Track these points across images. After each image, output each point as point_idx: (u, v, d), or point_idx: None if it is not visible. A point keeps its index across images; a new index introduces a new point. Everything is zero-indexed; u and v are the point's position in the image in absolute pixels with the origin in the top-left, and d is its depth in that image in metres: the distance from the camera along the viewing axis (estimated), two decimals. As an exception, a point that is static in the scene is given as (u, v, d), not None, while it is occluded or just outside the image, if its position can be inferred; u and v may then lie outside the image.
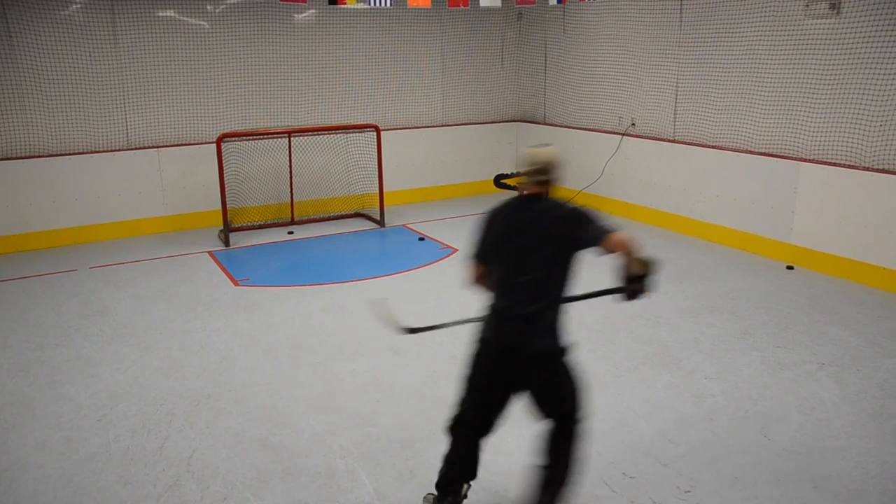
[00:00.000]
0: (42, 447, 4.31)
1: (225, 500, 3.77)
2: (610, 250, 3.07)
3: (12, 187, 8.34)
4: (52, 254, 8.32)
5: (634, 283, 3.21)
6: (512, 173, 10.61)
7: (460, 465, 3.43)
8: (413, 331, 3.84)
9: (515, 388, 3.27)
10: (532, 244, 3.13)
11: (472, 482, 3.54)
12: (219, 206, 8.74)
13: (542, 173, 3.22)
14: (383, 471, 4.00)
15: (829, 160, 7.23)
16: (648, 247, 8.24)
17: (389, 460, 4.10)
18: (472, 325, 3.47)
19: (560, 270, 3.17)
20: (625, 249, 3.07)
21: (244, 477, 3.98)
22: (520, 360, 3.17)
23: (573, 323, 5.92)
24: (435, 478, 3.91)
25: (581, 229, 3.10)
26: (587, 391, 3.38)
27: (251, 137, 9.13)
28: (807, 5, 7.23)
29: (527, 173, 3.23)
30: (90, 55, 8.61)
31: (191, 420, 4.59)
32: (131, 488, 3.90)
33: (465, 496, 3.51)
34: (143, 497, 3.82)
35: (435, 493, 3.48)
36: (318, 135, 9.54)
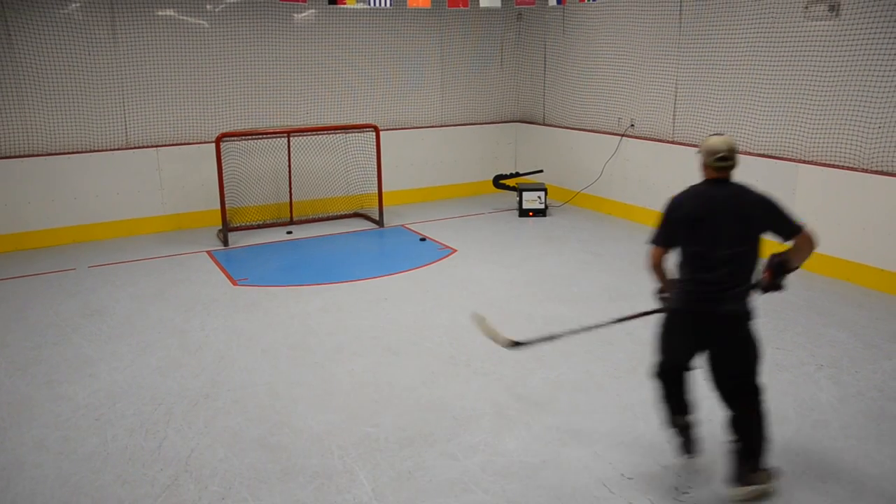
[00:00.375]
0: (40, 446, 4.31)
1: (223, 499, 3.77)
2: (797, 243, 3.57)
3: (11, 186, 8.33)
4: (50, 253, 8.31)
5: (783, 277, 3.64)
6: (511, 174, 10.61)
7: (675, 400, 3.87)
8: (518, 344, 4.20)
9: (705, 346, 3.65)
10: (729, 222, 3.49)
11: (690, 416, 3.91)
12: (217, 206, 8.73)
13: (727, 160, 3.52)
14: (381, 471, 4.00)
15: (828, 162, 7.23)
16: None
17: (388, 460, 4.10)
18: (575, 335, 4.00)
19: (750, 247, 3.55)
20: (810, 248, 3.56)
21: (242, 477, 3.98)
22: (712, 320, 3.54)
23: (571, 324, 5.94)
24: (434, 478, 3.92)
25: (777, 216, 3.55)
26: (762, 359, 3.65)
27: (250, 137, 9.12)
28: (806, 7, 7.23)
29: (711, 161, 3.54)
30: (89, 54, 8.60)
31: (189, 420, 4.59)
32: (129, 488, 3.89)
33: (691, 426, 3.92)
34: (141, 497, 3.81)
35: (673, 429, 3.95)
36: (317, 135, 9.54)
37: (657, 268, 3.78)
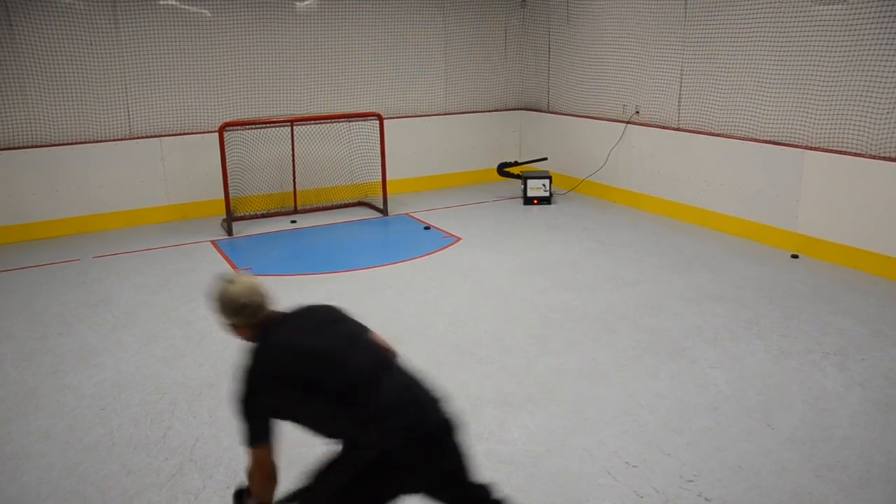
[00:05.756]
0: (46, 436, 4.32)
1: (228, 488, 3.77)
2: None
3: (14, 177, 8.33)
4: (54, 243, 8.32)
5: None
6: (515, 162, 10.58)
7: None
8: None
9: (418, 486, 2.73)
10: (344, 331, 2.84)
11: None
12: (221, 196, 8.72)
13: (253, 311, 2.76)
14: (386, 460, 4.00)
15: (835, 148, 7.17)
16: (652, 236, 8.23)
17: (392, 449, 4.09)
18: None
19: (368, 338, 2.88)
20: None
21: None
22: (437, 437, 2.69)
23: (576, 312, 5.94)
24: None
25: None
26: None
27: (254, 126, 9.10)
28: (813, -9, 7.17)
29: (235, 321, 2.79)
30: (91, 44, 8.57)
31: (193, 409, 4.59)
32: (134, 477, 3.90)
33: None
34: (147, 486, 3.82)
35: None
36: (320, 123, 9.51)
37: (272, 473, 2.80)
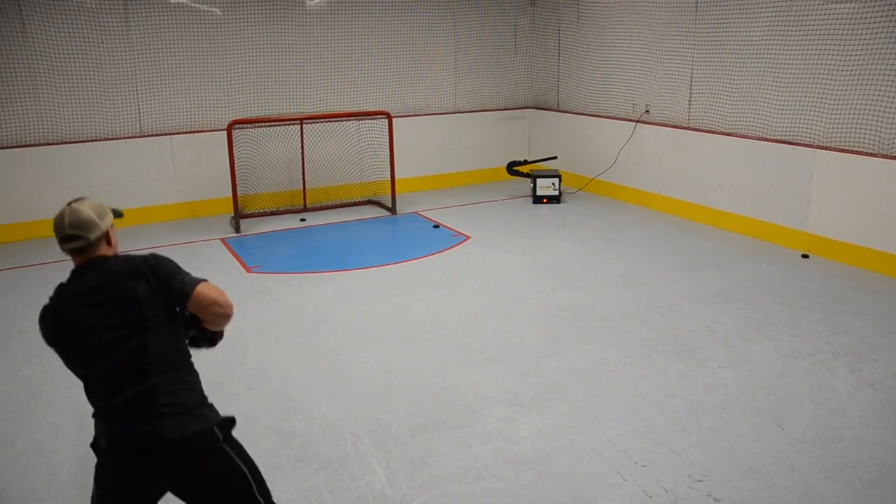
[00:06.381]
0: (57, 432, 4.35)
1: (237, 485, 3.79)
2: (197, 304, 2.53)
3: (25, 174, 8.38)
4: (66, 240, 8.35)
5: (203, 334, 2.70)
6: (524, 160, 10.56)
7: None
8: None
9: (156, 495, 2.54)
10: (109, 318, 2.46)
11: None
12: (231, 193, 8.75)
13: (74, 239, 2.50)
14: (395, 458, 4.01)
15: (846, 147, 7.13)
16: (661, 235, 8.21)
17: (401, 447, 4.10)
18: None
19: (161, 334, 2.50)
20: (217, 307, 2.55)
21: (256, 462, 3.99)
22: (156, 461, 2.43)
23: (585, 311, 5.93)
24: (447, 465, 3.92)
25: (160, 278, 2.52)
26: (261, 475, 2.72)
27: (263, 124, 9.12)
28: (825, -10, 7.13)
29: (62, 244, 2.54)
30: (102, 42, 8.61)
31: (203, 406, 4.60)
32: (144, 473, 3.92)
33: None
34: (156, 482, 3.84)
35: None
36: (329, 122, 9.52)
37: None
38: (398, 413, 4.48)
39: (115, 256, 2.59)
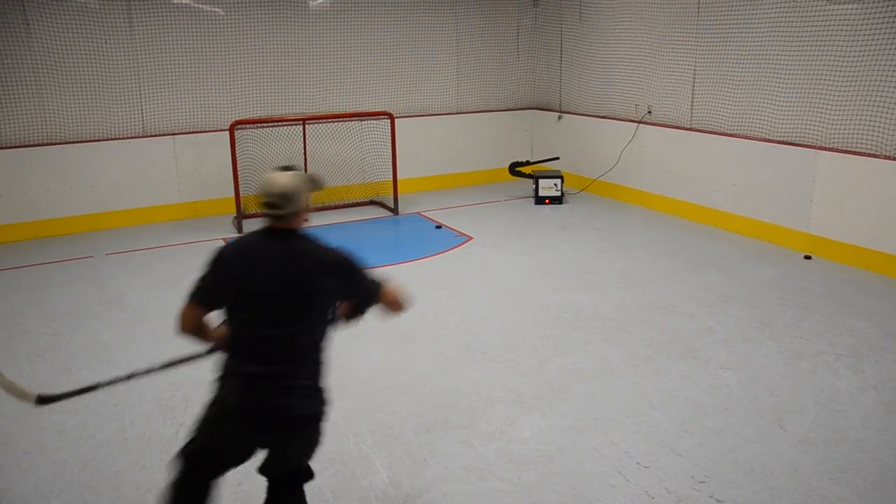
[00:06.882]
0: (60, 432, 4.35)
1: (240, 485, 3.79)
2: (383, 305, 2.89)
3: (29, 174, 8.39)
4: (68, 240, 8.38)
5: (354, 316, 3.01)
6: (527, 161, 10.56)
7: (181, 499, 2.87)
8: (48, 400, 3.22)
9: (252, 452, 2.88)
10: (276, 294, 2.66)
11: None
12: (234, 193, 8.75)
13: (274, 207, 2.71)
14: (397, 458, 4.01)
15: (848, 148, 7.13)
16: (663, 236, 8.21)
17: (403, 447, 4.11)
18: (141, 378, 3.30)
19: (312, 324, 2.73)
20: (398, 307, 2.90)
21: (259, 462, 3.99)
22: (266, 426, 2.72)
23: (587, 312, 5.93)
24: (449, 466, 3.92)
25: (344, 281, 2.77)
26: (320, 450, 2.96)
27: (265, 124, 9.13)
28: (828, -9, 7.12)
29: (263, 206, 2.74)
30: (106, 42, 8.62)
31: (206, 406, 4.61)
32: (147, 473, 3.92)
33: None
34: (159, 481, 3.84)
35: None
36: (332, 122, 9.53)
37: (192, 332, 2.86)
38: (400, 413, 4.48)
39: (308, 237, 2.79)
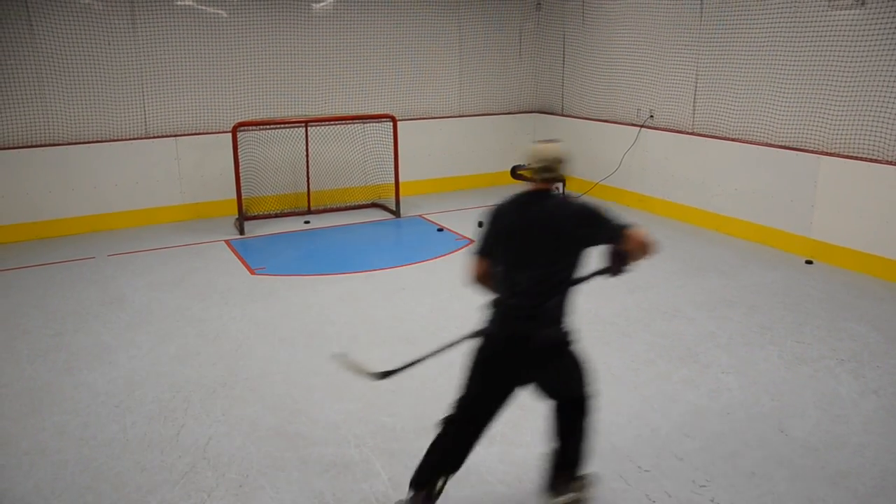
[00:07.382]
0: (61, 432, 4.35)
1: (240, 487, 3.79)
2: (628, 247, 3.17)
3: (31, 175, 8.40)
4: (69, 241, 8.38)
5: (623, 263, 3.30)
6: (529, 165, 10.56)
7: (447, 456, 3.38)
8: (386, 375, 3.63)
9: (520, 380, 3.31)
10: (538, 241, 3.17)
11: (451, 476, 3.42)
12: (235, 195, 8.76)
13: (549, 171, 3.25)
14: (398, 461, 4.01)
15: (850, 153, 7.13)
16: (665, 240, 8.20)
17: (404, 450, 4.10)
18: (455, 348, 3.56)
19: (566, 265, 3.22)
20: (643, 249, 3.18)
21: (259, 465, 4.00)
22: (526, 351, 3.20)
23: (589, 315, 5.92)
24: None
25: (592, 227, 3.18)
26: (592, 372, 3.42)
27: (268, 126, 9.14)
28: (830, -4, 7.13)
29: (533, 170, 3.26)
30: (109, 44, 8.64)
31: (207, 408, 4.62)
32: (148, 474, 3.93)
33: (441, 492, 3.38)
34: (160, 483, 3.85)
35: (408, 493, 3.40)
36: (334, 124, 9.54)
37: (482, 282, 3.41)
38: (402, 416, 4.48)
39: (560, 196, 3.33)
